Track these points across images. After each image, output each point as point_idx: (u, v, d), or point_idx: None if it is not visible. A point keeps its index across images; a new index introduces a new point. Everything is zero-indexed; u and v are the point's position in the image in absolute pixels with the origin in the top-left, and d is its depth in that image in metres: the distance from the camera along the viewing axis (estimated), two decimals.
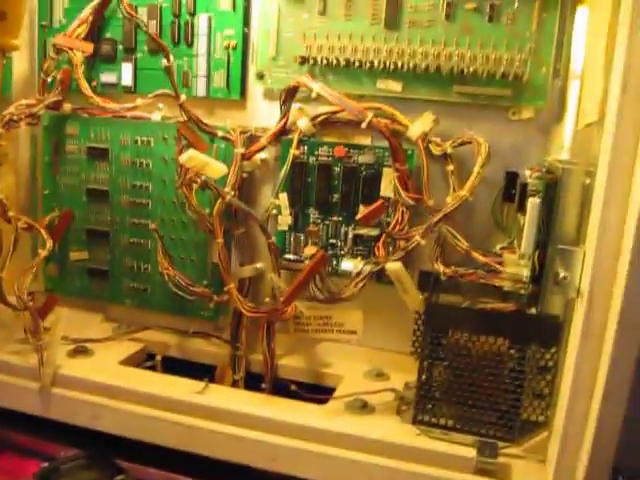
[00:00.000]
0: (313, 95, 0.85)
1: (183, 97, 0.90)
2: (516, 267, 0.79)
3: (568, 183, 0.71)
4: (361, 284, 0.84)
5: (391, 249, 0.87)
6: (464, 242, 0.83)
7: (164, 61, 0.88)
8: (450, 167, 0.87)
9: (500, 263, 0.81)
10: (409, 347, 0.91)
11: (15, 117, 0.91)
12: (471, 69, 0.85)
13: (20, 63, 1.03)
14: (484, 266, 0.82)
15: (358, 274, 0.85)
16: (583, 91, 0.82)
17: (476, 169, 0.80)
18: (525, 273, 0.77)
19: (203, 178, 0.81)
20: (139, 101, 0.92)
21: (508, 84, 0.85)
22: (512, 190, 0.84)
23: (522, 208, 0.78)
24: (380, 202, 0.83)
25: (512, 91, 0.85)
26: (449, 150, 0.86)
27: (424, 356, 0.80)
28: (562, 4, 0.83)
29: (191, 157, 0.78)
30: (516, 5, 0.84)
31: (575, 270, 0.68)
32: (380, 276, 0.87)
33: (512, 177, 0.85)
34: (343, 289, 0.85)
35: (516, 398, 0.77)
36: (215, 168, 0.81)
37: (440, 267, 0.85)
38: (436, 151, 0.88)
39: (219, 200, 0.87)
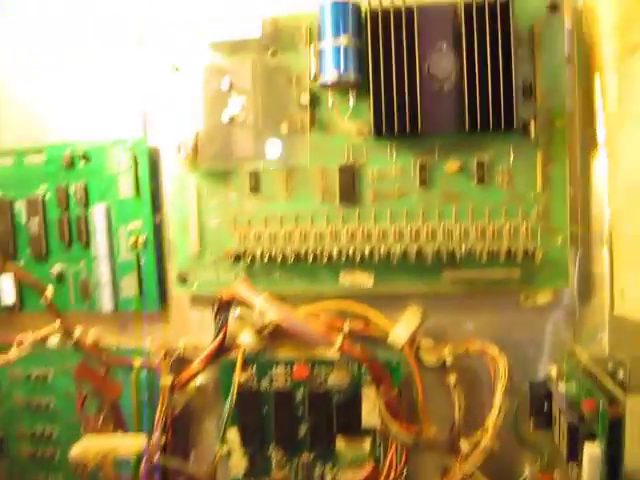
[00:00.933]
0: (255, 313, 0.63)
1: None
2: None
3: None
4: None
5: None
6: None
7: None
8: (452, 379, 0.65)
9: None
10: None
11: None
12: (464, 248, 0.63)
13: None
14: None
15: None
16: (617, 264, 0.61)
17: (497, 401, 0.58)
18: None
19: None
20: (12, 353, 0.67)
21: (515, 263, 0.63)
22: (543, 407, 0.62)
23: (573, 452, 0.55)
24: (370, 468, 0.60)
25: (521, 271, 0.63)
26: (448, 360, 0.64)
27: None
28: (573, 150, 0.63)
29: (87, 449, 0.54)
30: (511, 159, 0.63)
31: None
32: None
33: (540, 391, 0.62)
34: None
35: None
36: (128, 445, 0.57)
37: None
38: (430, 361, 0.65)
39: (143, 462, 0.63)
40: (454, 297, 0.66)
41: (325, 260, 0.65)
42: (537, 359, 0.66)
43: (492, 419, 0.57)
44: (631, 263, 0.59)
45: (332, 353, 0.61)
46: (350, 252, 0.64)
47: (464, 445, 0.59)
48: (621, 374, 0.60)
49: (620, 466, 0.51)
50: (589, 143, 0.64)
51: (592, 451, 0.51)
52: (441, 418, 0.66)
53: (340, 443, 0.67)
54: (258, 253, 0.66)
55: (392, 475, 0.63)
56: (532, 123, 0.62)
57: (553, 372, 0.64)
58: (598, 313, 0.64)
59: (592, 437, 0.53)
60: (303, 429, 0.68)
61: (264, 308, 0.61)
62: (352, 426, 0.66)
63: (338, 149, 0.65)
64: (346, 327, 0.65)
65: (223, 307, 0.66)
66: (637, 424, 0.50)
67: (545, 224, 0.63)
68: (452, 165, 0.63)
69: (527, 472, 0.66)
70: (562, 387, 0.61)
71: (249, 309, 0.65)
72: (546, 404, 0.62)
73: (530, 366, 0.66)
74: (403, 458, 0.64)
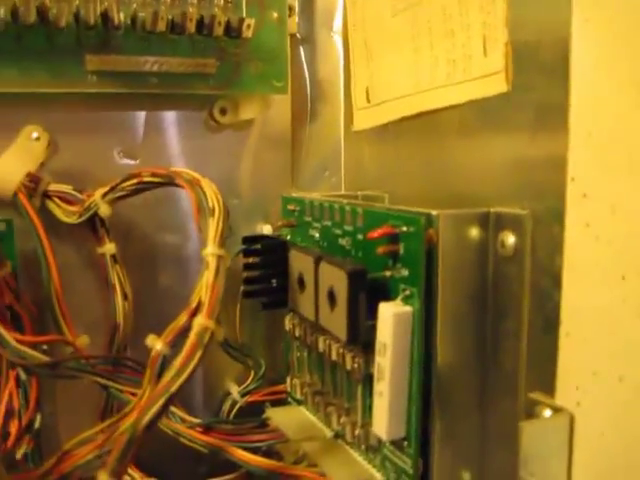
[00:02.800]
0: None
1: None
2: (338, 458, 0.34)
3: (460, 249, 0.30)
4: None
5: None
6: (188, 419, 0.35)
7: None
8: (108, 247, 0.38)
9: None
10: None
11: None
12: (123, 16, 0.36)
13: None
14: None
15: None
16: (359, 58, 0.41)
17: (211, 250, 0.31)
18: (383, 477, 0.33)
19: None
20: None
21: (208, 47, 0.38)
22: (271, 280, 0.38)
23: (354, 326, 0.31)
24: None
25: (219, 63, 0.39)
26: (103, 209, 0.36)
27: None
28: None
29: None
30: None
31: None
32: None
33: (268, 250, 0.38)
34: None
35: None
36: None
37: None
38: (68, 215, 0.37)
39: None
40: (105, 106, 0.39)
41: None
42: (246, 210, 0.42)
43: (207, 281, 0.31)
44: (379, 48, 0.38)
45: None
46: None
47: (154, 343, 0.31)
48: None
49: (436, 322, 0.29)
50: None
51: (398, 311, 0.29)
52: (99, 318, 0.38)
53: None
54: None
55: (16, 425, 0.34)
56: None
57: (267, 229, 0.42)
58: (330, 134, 0.43)
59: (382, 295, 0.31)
60: None
61: None
62: None
63: None
64: None
65: None
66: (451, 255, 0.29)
67: None
68: None
69: (233, 392, 0.42)
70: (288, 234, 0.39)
71: None
72: (275, 281, 0.38)
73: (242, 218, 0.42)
74: (33, 393, 0.35)
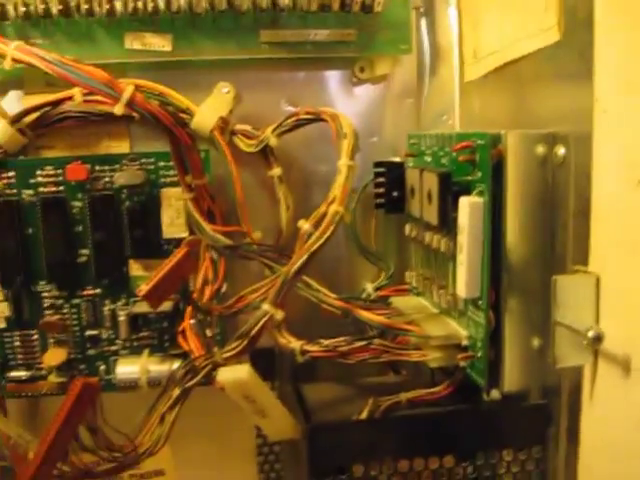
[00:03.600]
0: (7, 65, 0.44)
1: None
2: (437, 322, 0.46)
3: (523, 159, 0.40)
4: (170, 422, 0.43)
5: (208, 332, 0.48)
6: (330, 294, 0.47)
7: None
8: (276, 171, 0.51)
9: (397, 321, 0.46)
10: None
11: None
12: (287, 0, 0.49)
13: None
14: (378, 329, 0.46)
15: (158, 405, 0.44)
16: (467, 24, 0.51)
17: (344, 161, 0.44)
18: (466, 332, 0.43)
19: None
20: None
21: (348, 20, 0.51)
22: (393, 192, 0.50)
23: (444, 211, 0.43)
24: (183, 251, 0.44)
25: (357, 33, 0.51)
26: (272, 141, 0.50)
27: None
28: None
29: None
30: None
31: (583, 315, 0.36)
32: None
33: (391, 170, 0.51)
34: (136, 435, 0.44)
35: None
36: None
37: (292, 341, 0.48)
38: (248, 147, 0.51)
39: None
40: (273, 67, 0.53)
41: (104, 15, 0.47)
42: (380, 144, 0.55)
43: (340, 182, 0.44)
44: (482, 14, 0.49)
45: (119, 109, 0.44)
46: (139, 5, 0.48)
47: (302, 225, 0.44)
48: None
49: (503, 219, 0.40)
50: None
51: (472, 201, 0.40)
52: (268, 224, 0.53)
53: (135, 269, 0.51)
54: (13, 8, 0.47)
55: (209, 292, 0.49)
56: None
57: (396, 159, 0.54)
58: (447, 86, 0.54)
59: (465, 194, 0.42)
60: (85, 253, 0.51)
61: (17, 53, 0.43)
62: (151, 242, 0.50)
63: None
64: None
65: None
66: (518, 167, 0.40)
67: None
68: None
69: (369, 288, 0.55)
70: (411, 162, 0.51)
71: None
72: (396, 192, 0.51)
73: (374, 153, 0.54)
74: (221, 269, 0.50)
